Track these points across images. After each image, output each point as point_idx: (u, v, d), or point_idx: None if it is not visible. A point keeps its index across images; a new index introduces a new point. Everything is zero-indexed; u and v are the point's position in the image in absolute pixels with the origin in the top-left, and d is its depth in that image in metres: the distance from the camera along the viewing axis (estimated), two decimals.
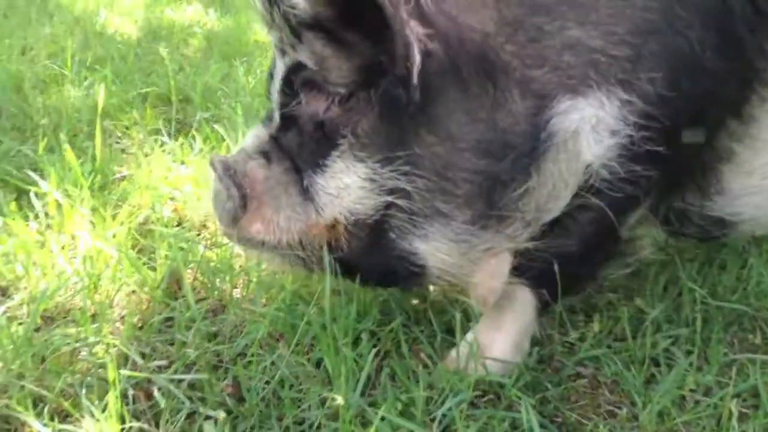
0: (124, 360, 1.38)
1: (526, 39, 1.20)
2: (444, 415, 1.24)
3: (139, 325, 1.51)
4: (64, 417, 1.25)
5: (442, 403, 1.27)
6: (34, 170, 1.96)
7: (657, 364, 1.43)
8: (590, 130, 1.20)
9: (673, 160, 1.26)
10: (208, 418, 1.25)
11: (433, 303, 1.54)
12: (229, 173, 1.27)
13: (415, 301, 1.55)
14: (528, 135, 1.19)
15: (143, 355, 1.40)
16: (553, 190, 1.24)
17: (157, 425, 1.24)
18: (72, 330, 1.44)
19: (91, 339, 1.41)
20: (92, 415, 1.20)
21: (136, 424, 1.22)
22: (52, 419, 1.23)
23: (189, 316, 1.49)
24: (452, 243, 1.23)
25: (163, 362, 1.39)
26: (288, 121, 1.28)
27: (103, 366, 1.31)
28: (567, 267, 1.32)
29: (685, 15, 1.22)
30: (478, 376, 1.30)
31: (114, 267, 1.63)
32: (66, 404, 1.24)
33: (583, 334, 1.52)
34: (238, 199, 1.25)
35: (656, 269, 1.69)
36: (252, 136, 1.35)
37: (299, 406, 1.28)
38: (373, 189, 1.20)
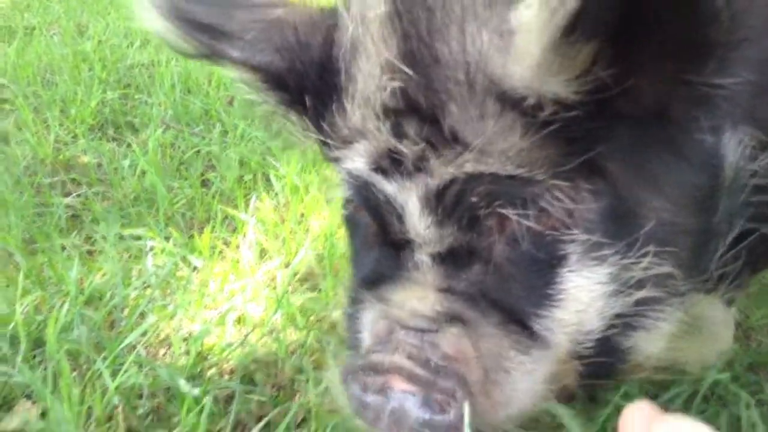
0: None
1: None
2: None
3: None
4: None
5: None
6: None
7: None
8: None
9: None
10: None
11: None
12: (430, 367, 0.87)
13: None
14: (716, 178, 0.98)
15: None
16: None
17: None
18: (314, 294, 1.68)
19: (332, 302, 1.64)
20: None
21: None
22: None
23: None
24: (670, 326, 0.98)
25: None
26: (457, 258, 0.93)
27: None
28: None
29: None
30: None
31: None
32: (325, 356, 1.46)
33: None
34: (463, 399, 0.87)
35: None
36: (394, 298, 0.94)
37: None
38: (616, 290, 0.91)
